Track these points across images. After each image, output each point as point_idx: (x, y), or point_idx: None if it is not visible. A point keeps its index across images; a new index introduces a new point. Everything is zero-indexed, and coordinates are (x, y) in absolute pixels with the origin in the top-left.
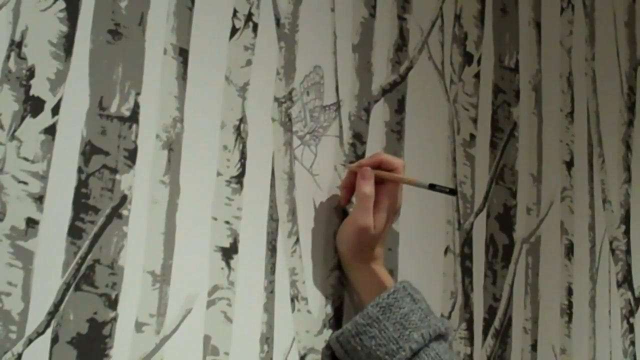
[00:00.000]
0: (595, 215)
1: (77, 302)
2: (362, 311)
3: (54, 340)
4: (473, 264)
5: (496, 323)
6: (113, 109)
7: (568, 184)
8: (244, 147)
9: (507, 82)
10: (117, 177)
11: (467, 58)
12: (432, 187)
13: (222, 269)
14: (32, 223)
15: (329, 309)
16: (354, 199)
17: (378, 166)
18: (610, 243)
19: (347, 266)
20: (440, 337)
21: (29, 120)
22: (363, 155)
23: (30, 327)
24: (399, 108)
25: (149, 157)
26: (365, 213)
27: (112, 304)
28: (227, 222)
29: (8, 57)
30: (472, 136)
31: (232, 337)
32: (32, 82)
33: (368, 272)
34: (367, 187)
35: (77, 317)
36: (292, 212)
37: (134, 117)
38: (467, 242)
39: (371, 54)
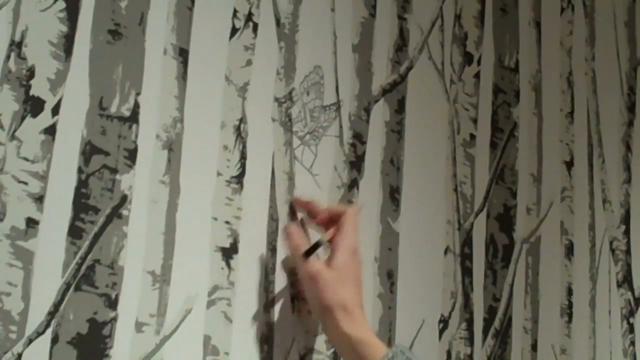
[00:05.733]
0: (595, 215)
1: (77, 302)
2: None
3: (54, 340)
4: (473, 264)
5: (496, 323)
6: (113, 109)
7: (568, 184)
8: (244, 147)
9: (507, 82)
10: (117, 177)
11: (467, 58)
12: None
13: (222, 269)
14: (32, 223)
15: None
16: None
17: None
18: (610, 243)
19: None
20: None
21: (29, 120)
22: (363, 155)
23: (30, 327)
24: (399, 108)
25: (149, 157)
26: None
27: (112, 304)
28: (227, 222)
29: (8, 57)
30: (472, 136)
31: (232, 337)
32: (32, 82)
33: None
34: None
35: (77, 317)
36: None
37: (134, 117)
38: (467, 242)
39: (371, 54)
